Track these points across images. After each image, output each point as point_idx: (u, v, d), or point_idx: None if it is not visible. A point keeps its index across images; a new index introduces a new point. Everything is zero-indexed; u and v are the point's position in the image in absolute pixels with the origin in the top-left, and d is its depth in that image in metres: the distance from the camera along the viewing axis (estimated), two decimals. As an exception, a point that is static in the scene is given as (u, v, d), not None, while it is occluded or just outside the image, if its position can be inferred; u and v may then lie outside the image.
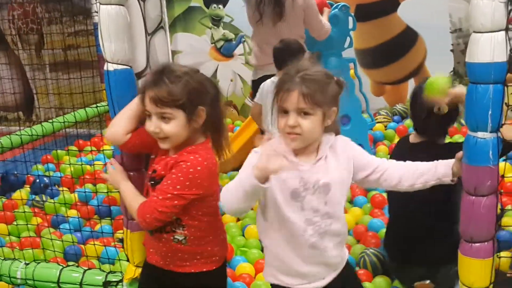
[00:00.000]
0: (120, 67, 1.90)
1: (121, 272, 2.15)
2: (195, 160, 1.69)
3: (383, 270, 2.55)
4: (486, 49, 1.61)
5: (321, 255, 1.71)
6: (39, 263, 2.31)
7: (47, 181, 3.93)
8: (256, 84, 3.41)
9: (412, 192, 1.84)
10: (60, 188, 3.87)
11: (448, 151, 1.91)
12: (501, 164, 1.79)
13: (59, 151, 4.54)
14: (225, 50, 5.55)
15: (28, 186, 3.98)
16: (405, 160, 1.99)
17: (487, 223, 1.77)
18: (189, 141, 1.76)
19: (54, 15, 5.93)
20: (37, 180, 3.92)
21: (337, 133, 1.76)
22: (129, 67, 1.93)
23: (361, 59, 5.07)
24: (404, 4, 4.97)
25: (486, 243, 1.78)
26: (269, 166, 1.46)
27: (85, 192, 3.57)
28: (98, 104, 4.63)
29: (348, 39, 3.92)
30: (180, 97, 1.68)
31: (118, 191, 1.95)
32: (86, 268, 2.24)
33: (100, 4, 1.87)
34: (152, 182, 1.78)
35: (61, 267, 2.26)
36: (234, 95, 5.61)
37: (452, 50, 4.93)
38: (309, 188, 1.65)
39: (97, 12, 1.95)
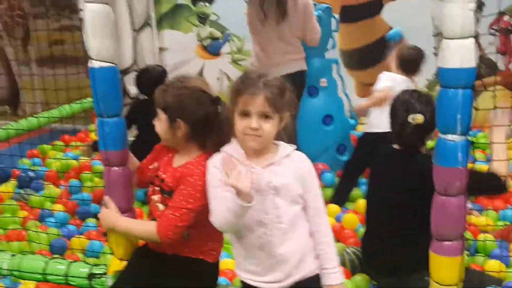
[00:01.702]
0: (105, 64, 1.92)
1: (105, 265, 2.20)
2: (201, 172, 1.80)
3: (362, 268, 2.57)
4: (456, 55, 1.68)
5: (270, 257, 1.74)
6: (25, 254, 2.34)
7: (32, 175, 3.96)
8: None
9: (383, 204, 1.91)
10: (46, 183, 3.90)
11: (422, 164, 2.00)
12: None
13: (45, 145, 4.56)
14: (211, 48, 5.58)
15: (14, 179, 4.01)
16: (381, 167, 2.06)
17: (456, 222, 1.84)
18: (186, 149, 1.88)
19: (40, 9, 5.91)
20: (23, 174, 3.95)
21: (291, 137, 1.81)
22: (114, 65, 1.95)
23: (346, 60, 5.14)
24: (388, 7, 5.05)
25: (455, 241, 1.86)
26: (245, 186, 1.56)
27: (71, 186, 3.60)
28: (84, 100, 4.67)
29: (331, 40, 3.99)
30: (163, 102, 1.85)
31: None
32: (71, 261, 2.28)
33: (85, 2, 1.89)
34: (161, 190, 1.89)
35: (46, 258, 2.30)
36: (220, 94, 5.62)
37: (435, 54, 5.01)
38: (261, 190, 1.70)
39: (82, 9, 1.98)
